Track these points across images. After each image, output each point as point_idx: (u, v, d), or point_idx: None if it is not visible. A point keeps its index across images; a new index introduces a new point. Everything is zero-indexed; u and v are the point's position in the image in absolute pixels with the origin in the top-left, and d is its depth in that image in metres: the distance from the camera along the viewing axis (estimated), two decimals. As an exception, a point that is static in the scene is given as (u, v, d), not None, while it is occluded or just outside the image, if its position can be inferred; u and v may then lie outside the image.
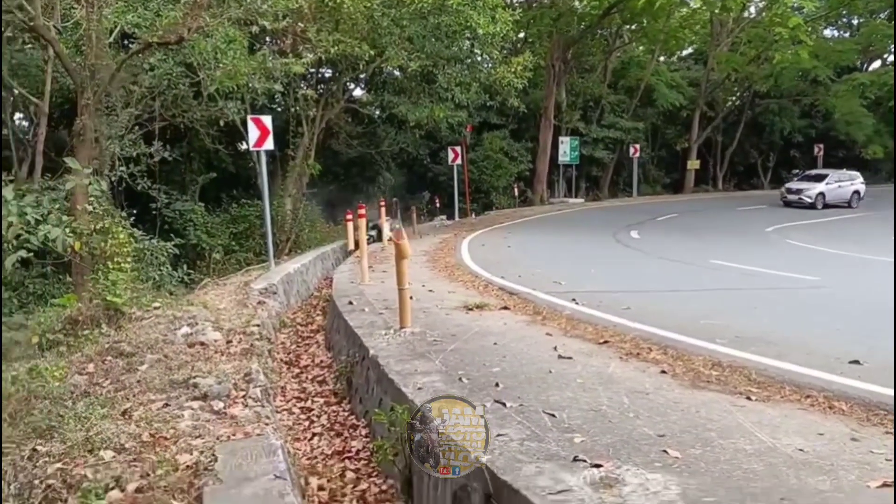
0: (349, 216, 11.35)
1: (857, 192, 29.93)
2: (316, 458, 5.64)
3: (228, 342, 7.51)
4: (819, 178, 30.35)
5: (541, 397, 4.55)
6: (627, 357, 5.70)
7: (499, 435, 3.85)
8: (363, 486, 4.87)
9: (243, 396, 5.45)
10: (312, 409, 6.86)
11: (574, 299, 8.48)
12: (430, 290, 9.52)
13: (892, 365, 5.06)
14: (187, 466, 3.95)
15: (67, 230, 11.81)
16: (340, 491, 4.86)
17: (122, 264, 11.94)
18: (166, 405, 5.25)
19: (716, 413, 4.26)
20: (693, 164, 38.42)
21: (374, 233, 17.60)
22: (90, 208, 12.20)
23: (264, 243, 15.30)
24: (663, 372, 5.20)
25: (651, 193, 38.14)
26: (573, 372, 5.21)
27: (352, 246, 14.57)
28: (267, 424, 4.86)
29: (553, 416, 4.16)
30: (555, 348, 5.98)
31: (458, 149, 26.30)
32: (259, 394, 5.56)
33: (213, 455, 4.12)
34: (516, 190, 31.87)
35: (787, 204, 28.88)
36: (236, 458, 4.05)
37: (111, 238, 11.92)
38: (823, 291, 9.63)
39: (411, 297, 8.49)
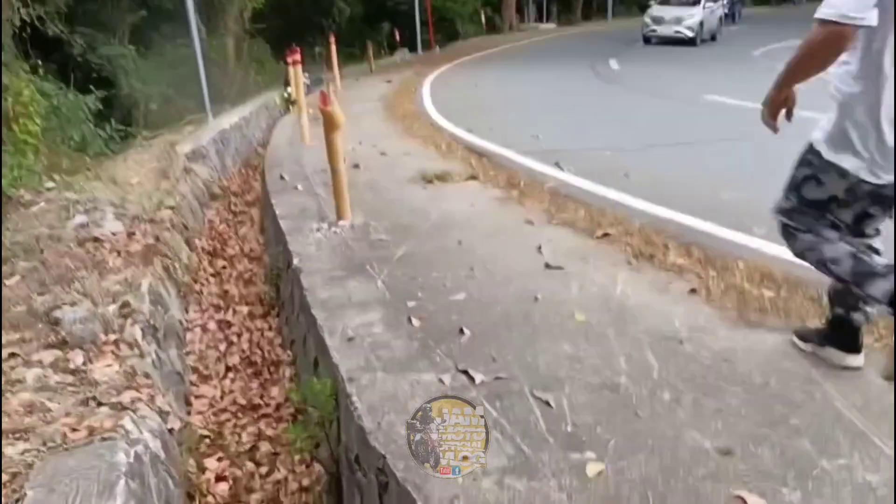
0: (295, 55, 9.35)
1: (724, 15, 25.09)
2: (225, 411, 4.18)
3: (130, 235, 5.87)
4: (695, 1, 22.76)
5: (525, 357, 3.01)
6: (639, 261, 4.13)
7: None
8: (278, 474, 3.44)
9: (115, 341, 3.88)
10: (232, 325, 5.33)
11: (557, 162, 6.80)
12: (383, 153, 7.78)
13: None
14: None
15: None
16: (248, 483, 3.43)
17: (30, 126, 10.21)
18: (12, 355, 3.71)
19: (800, 388, 2.76)
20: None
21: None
22: None
23: (200, 93, 13.23)
24: (693, 291, 3.67)
25: (628, 16, 35.44)
26: (568, 297, 3.65)
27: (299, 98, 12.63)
28: (139, 398, 3.34)
29: (548, 405, 2.65)
30: (539, 249, 4.40)
31: (418, -27, 23.61)
32: (139, 335, 3.99)
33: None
34: (483, 17, 29.23)
35: (647, 40, 22.49)
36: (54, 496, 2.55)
37: (12, 96, 10.09)
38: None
39: (356, 166, 6.86)
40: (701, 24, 21.61)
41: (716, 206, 5.26)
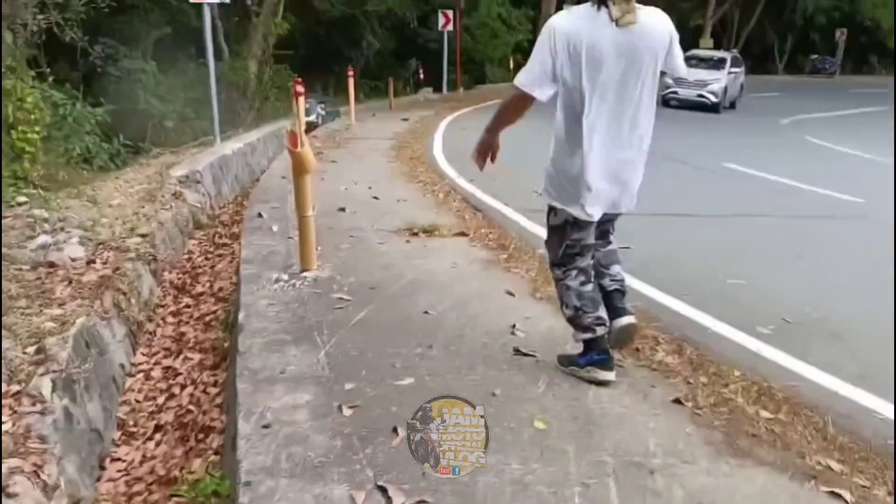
0: (299, 87, 8.90)
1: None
2: (140, 481, 3.67)
3: (90, 262, 5.44)
4: (718, 64, 21.56)
5: (462, 476, 2.50)
6: (622, 355, 3.61)
7: None
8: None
9: (16, 394, 3.41)
10: (179, 374, 4.85)
11: (554, 224, 6.33)
12: (375, 198, 7.33)
13: None
14: None
15: (-51, 92, 9.61)
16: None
17: (29, 134, 9.86)
18: None
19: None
20: (705, 42, 35.18)
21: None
22: None
23: (208, 115, 12.90)
24: (677, 401, 3.14)
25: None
26: (532, 395, 3.12)
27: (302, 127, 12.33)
28: (19, 469, 2.85)
29: (471, 551, 2.14)
30: (513, 328, 3.89)
31: (450, 13, 23.42)
32: (47, 388, 3.50)
33: None
34: (512, 62, 29.01)
35: (666, 102, 20.18)
36: None
37: (14, 102, 9.79)
38: (878, 223, 7.41)
39: (342, 210, 6.41)
40: (725, 89, 20.60)
41: (719, 293, 4.74)
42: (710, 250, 6.04)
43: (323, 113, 15.93)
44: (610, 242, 3.46)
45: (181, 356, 5.10)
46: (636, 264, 5.26)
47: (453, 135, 13.11)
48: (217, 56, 19.52)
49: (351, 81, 14.86)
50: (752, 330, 4.02)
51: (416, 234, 5.90)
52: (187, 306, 6.01)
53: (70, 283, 4.99)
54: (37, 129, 10.38)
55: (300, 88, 8.83)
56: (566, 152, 3.16)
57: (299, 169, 4.48)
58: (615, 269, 3.42)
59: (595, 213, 3.12)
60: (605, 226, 3.37)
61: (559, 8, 25.39)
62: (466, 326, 3.92)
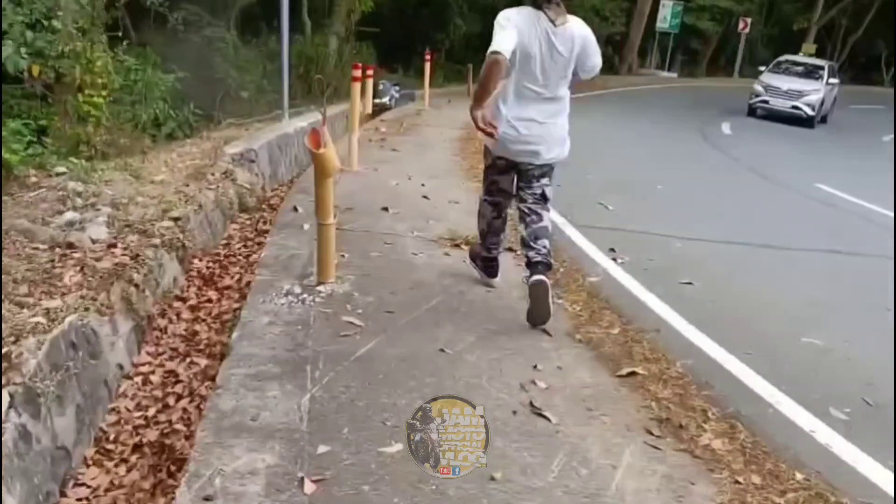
0: (356, 72, 8.40)
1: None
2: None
3: (111, 246, 5.08)
4: (815, 73, 19.48)
5: None
6: (661, 430, 2.97)
7: None
8: None
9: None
10: (179, 381, 4.44)
11: (613, 249, 5.67)
12: (426, 197, 6.79)
13: None
14: None
15: (25, 50, 9.54)
16: None
17: (95, 98, 9.65)
18: None
19: None
20: (808, 48, 33.24)
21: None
22: (57, 25, 9.87)
23: (280, 89, 12.56)
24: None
25: (754, 76, 33.53)
26: (542, 476, 2.57)
27: (368, 110, 11.83)
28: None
29: None
30: (534, 380, 3.32)
31: None
32: (4, 402, 3.11)
33: None
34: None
35: (753, 111, 18.94)
36: None
37: (81, 64, 9.58)
38: None
39: (385, 209, 5.91)
40: (822, 102, 18.51)
41: (791, 355, 4.05)
42: (785, 293, 5.29)
43: (397, 95, 15.47)
44: (541, 217, 4.13)
45: (187, 360, 4.68)
46: (695, 305, 4.61)
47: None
48: (299, 30, 19.29)
49: (428, 65, 14.30)
50: (824, 412, 3.33)
51: (457, 246, 5.35)
52: (208, 301, 5.60)
53: (82, 269, 4.61)
54: (103, 92, 10.20)
55: (357, 73, 8.38)
56: (497, 109, 3.98)
57: (321, 172, 3.98)
58: (542, 243, 4.06)
59: (509, 154, 4.05)
60: (528, 181, 4.15)
61: (655, 3, 23.97)
62: (485, 373, 3.36)
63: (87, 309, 4.10)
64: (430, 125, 11.86)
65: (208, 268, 6.19)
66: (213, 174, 7.70)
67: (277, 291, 4.13)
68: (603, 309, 4.34)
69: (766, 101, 18.60)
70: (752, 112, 18.84)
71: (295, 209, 6.03)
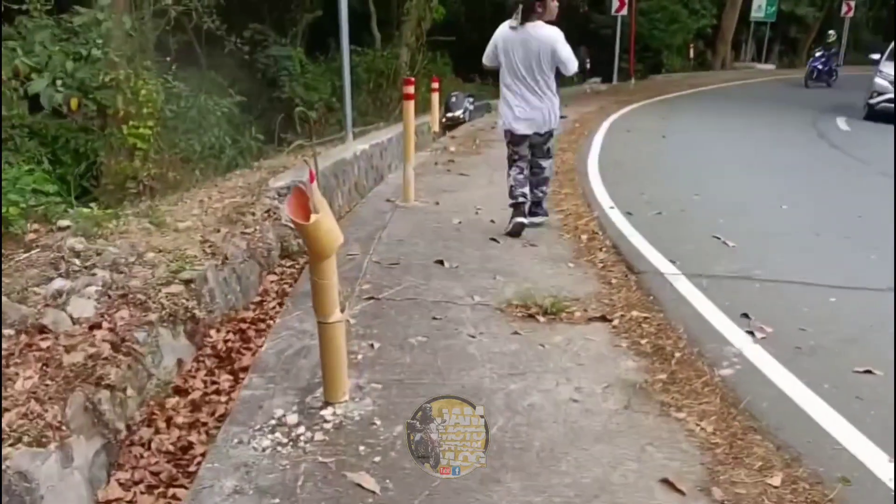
0: (408, 87, 6.99)
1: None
2: None
3: (94, 328, 3.90)
4: None
5: None
6: None
7: None
8: None
9: None
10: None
11: (748, 317, 4.09)
12: (494, 240, 5.38)
13: None
14: None
15: (61, 83, 8.65)
16: None
17: (141, 129, 8.68)
18: None
19: None
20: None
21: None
22: (98, 53, 9.03)
23: (343, 108, 11.35)
24: None
25: (859, 63, 30.57)
26: None
27: (435, 128, 10.50)
28: None
29: None
30: None
31: (626, -6, 20.92)
32: None
33: None
34: (692, 50, 25.91)
35: (874, 113, 14.21)
36: None
37: (125, 94, 8.64)
38: None
39: (441, 263, 4.55)
40: None
41: None
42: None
43: (471, 107, 14.09)
44: (542, 169, 5.74)
45: (169, 492, 3.42)
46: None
47: (615, 139, 10.88)
48: (368, 43, 18.21)
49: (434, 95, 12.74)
50: None
51: (532, 316, 3.92)
52: (217, 392, 4.33)
53: (45, 366, 3.43)
54: (150, 123, 9.28)
55: (410, 89, 6.96)
56: (502, 98, 5.61)
57: (315, 252, 2.63)
58: (542, 188, 5.81)
59: (512, 129, 5.55)
60: (531, 147, 5.66)
61: None
62: None
63: (18, 440, 2.91)
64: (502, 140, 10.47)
65: (227, 341, 4.93)
66: (252, 213, 6.53)
67: (265, 419, 2.81)
68: (747, 432, 2.83)
69: (892, 101, 13.84)
70: (873, 115, 14.33)
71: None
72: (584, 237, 5.53)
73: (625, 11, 21.42)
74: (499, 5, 23.69)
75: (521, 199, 5.58)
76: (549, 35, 5.17)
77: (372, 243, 5.14)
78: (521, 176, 5.62)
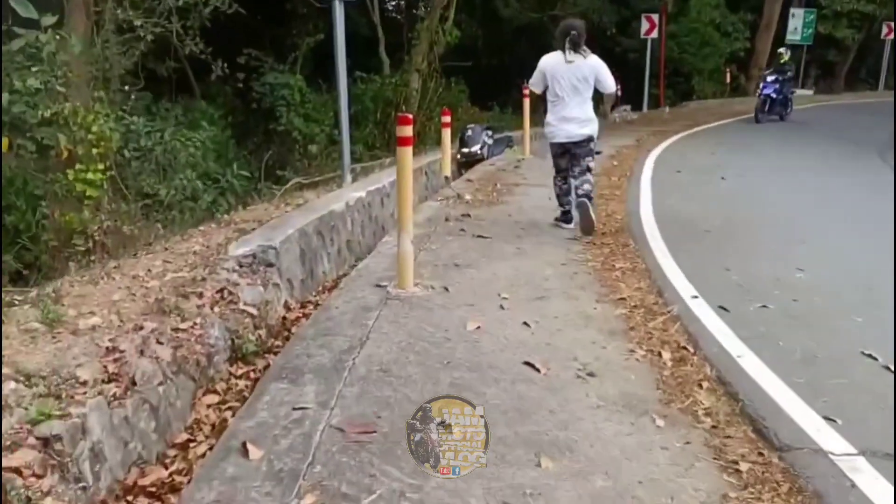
0: (403, 128, 4.94)
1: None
2: None
3: None
4: None
5: None
6: None
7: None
8: None
9: None
10: None
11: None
12: (530, 365, 3.44)
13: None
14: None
15: (-8, 119, 6.72)
16: None
17: (90, 174, 6.99)
18: None
19: None
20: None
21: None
22: (36, 84, 7.35)
23: (340, 145, 9.49)
24: None
25: (899, 90, 28.46)
26: None
27: (446, 171, 8.61)
28: None
29: None
30: None
31: (654, 17, 19.07)
32: None
33: None
34: (728, 75, 23.97)
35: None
36: None
37: (71, 131, 7.31)
38: None
39: (444, 425, 2.57)
40: None
41: None
42: None
43: (490, 142, 12.19)
44: (584, 173, 6.13)
45: None
46: None
47: (666, 182, 8.90)
48: (376, 69, 16.46)
49: (526, 102, 10.91)
50: None
51: None
52: None
53: None
54: (100, 166, 7.56)
55: (406, 131, 4.95)
56: (548, 116, 6.20)
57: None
58: (584, 188, 6.08)
59: (556, 140, 6.21)
60: (573, 157, 6.18)
61: (785, 10, 19.25)
62: None
63: None
64: (532, 184, 8.54)
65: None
66: (199, 295, 4.71)
67: None
68: None
69: None
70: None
71: (283, 382, 2.82)
72: (665, 356, 3.57)
73: (655, 34, 19.60)
74: (519, 29, 21.99)
75: (566, 206, 6.48)
76: (594, 61, 6.00)
77: (338, 382, 3.20)
78: (565, 186, 6.42)
